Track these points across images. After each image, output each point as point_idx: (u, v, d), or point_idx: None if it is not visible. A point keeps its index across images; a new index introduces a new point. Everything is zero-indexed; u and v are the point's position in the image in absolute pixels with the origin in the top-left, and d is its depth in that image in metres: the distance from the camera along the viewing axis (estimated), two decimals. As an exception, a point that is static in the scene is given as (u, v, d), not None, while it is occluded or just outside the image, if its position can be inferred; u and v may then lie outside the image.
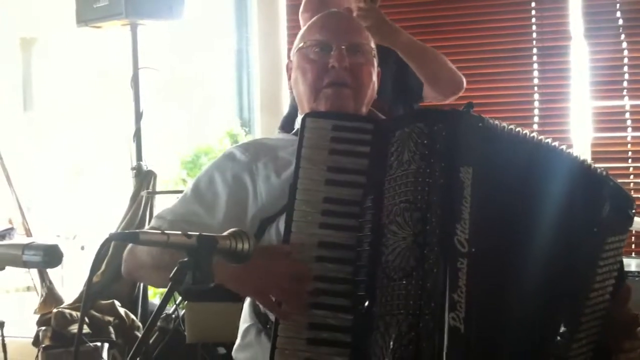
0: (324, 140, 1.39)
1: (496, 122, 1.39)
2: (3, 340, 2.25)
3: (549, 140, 1.43)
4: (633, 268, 2.98)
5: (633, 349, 1.43)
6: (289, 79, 1.62)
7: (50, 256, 1.36)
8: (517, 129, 1.40)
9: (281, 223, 1.40)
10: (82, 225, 6.66)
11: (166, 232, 1.10)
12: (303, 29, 1.62)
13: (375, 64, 1.58)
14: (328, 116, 1.45)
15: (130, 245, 1.44)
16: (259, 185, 1.47)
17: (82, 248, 7.00)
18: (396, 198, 1.31)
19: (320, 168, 1.37)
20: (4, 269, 1.45)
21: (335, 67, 1.49)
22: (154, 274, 1.41)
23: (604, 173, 1.46)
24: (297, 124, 1.61)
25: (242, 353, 1.50)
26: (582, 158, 1.47)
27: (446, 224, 1.27)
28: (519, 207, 1.35)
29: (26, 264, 1.36)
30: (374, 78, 1.56)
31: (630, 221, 1.49)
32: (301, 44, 1.56)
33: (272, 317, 1.37)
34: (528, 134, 1.41)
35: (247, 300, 1.54)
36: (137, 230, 1.10)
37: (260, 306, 1.45)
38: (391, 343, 1.25)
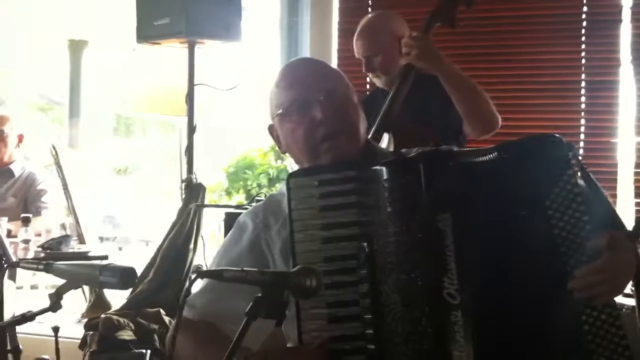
0: (313, 198, 1.37)
1: (466, 152, 1.40)
2: (57, 345, 2.33)
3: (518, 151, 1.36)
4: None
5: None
6: (276, 141, 1.60)
7: (126, 279, 1.44)
8: (487, 153, 1.34)
9: None
10: (124, 227, 6.80)
11: (245, 269, 1.18)
12: (272, 90, 1.57)
13: (354, 96, 1.55)
14: (310, 172, 1.44)
15: (171, 334, 1.46)
16: (276, 257, 1.49)
17: (120, 249, 7.15)
18: (384, 258, 1.32)
19: (314, 228, 1.36)
20: (80, 287, 1.54)
21: (323, 120, 1.46)
22: None
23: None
24: None
25: None
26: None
27: (432, 281, 1.27)
28: (506, 234, 1.31)
29: (102, 284, 1.44)
30: (359, 109, 1.55)
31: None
32: (280, 111, 1.52)
33: None
34: (497, 152, 1.35)
35: None
36: (221, 268, 1.19)
37: None
38: None
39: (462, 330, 1.24)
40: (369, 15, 2.88)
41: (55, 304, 1.48)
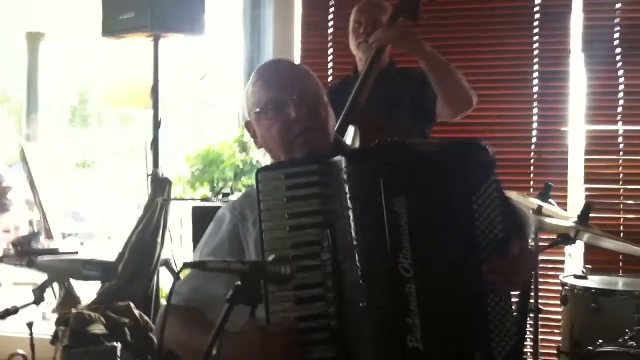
0: (280, 191, 1.49)
1: (417, 143, 1.54)
2: (32, 340, 2.38)
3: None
4: (620, 287, 2.95)
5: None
6: (253, 136, 1.71)
7: (107, 272, 1.51)
8: (434, 146, 1.53)
9: None
10: (87, 222, 6.78)
11: (226, 260, 1.27)
12: (249, 89, 1.67)
13: (324, 94, 1.68)
14: (277, 167, 1.57)
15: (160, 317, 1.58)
16: (251, 247, 1.60)
17: (82, 244, 7.14)
18: (345, 240, 1.44)
19: (282, 218, 1.48)
20: (62, 281, 1.60)
21: (297, 119, 1.59)
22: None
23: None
24: None
25: None
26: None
27: (388, 258, 1.41)
28: (445, 217, 1.47)
29: (86, 278, 1.51)
30: (328, 107, 1.67)
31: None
32: (257, 110, 1.64)
33: None
34: (442, 147, 1.55)
35: None
36: (204, 260, 1.27)
37: None
38: None
39: (415, 301, 1.39)
40: None
41: (39, 298, 1.53)
